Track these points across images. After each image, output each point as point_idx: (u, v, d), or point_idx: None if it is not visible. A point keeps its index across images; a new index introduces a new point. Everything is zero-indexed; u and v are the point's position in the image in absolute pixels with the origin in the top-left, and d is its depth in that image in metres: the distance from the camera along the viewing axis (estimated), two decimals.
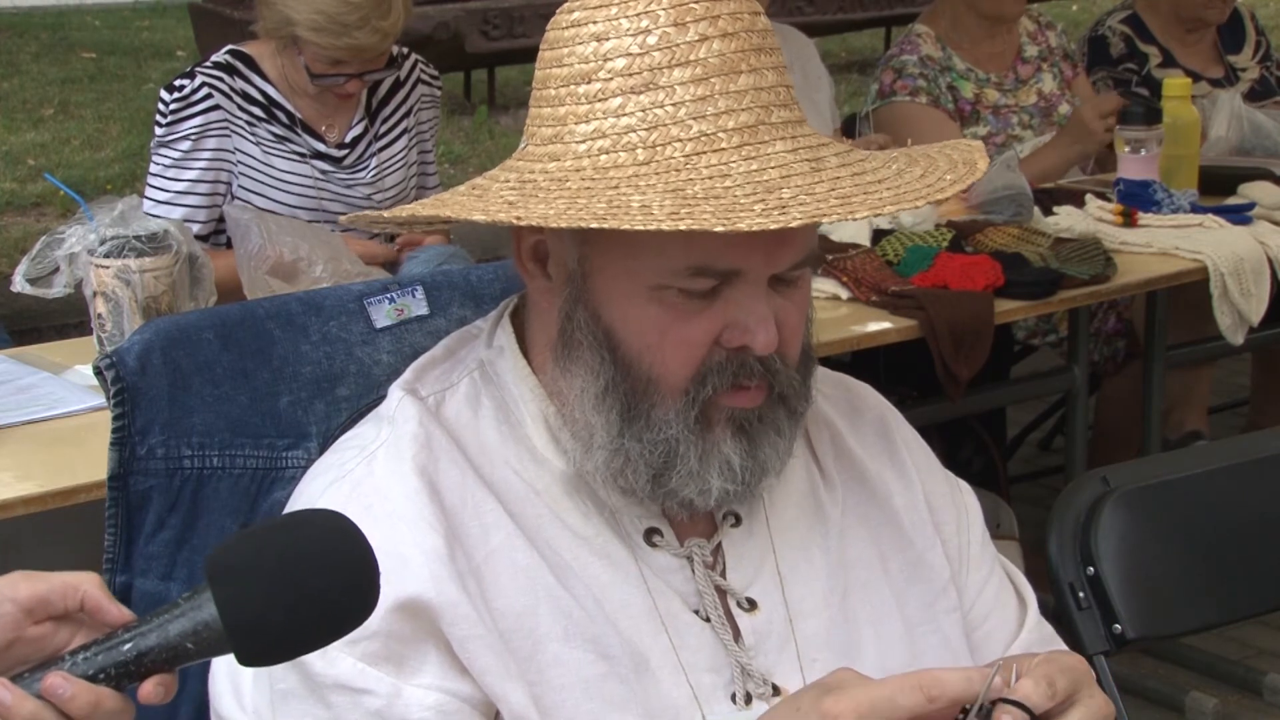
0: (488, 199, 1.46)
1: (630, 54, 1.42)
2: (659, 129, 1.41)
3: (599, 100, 1.43)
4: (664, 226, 1.33)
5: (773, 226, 1.33)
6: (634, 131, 1.42)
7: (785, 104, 1.45)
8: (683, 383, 1.45)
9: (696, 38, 1.42)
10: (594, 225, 1.36)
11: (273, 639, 1.12)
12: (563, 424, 1.51)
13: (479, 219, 1.43)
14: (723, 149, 1.41)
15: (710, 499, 1.48)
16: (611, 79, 1.42)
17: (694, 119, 1.41)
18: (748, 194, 1.37)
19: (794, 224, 1.34)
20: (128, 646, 1.10)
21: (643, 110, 1.41)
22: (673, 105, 1.41)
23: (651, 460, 1.46)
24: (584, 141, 1.43)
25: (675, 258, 1.42)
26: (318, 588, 1.12)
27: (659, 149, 1.41)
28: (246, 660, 1.12)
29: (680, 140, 1.41)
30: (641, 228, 1.34)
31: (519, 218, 1.39)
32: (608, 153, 1.42)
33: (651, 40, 1.42)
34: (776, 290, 1.46)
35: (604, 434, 1.47)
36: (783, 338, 1.46)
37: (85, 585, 1.15)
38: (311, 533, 1.16)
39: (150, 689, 1.11)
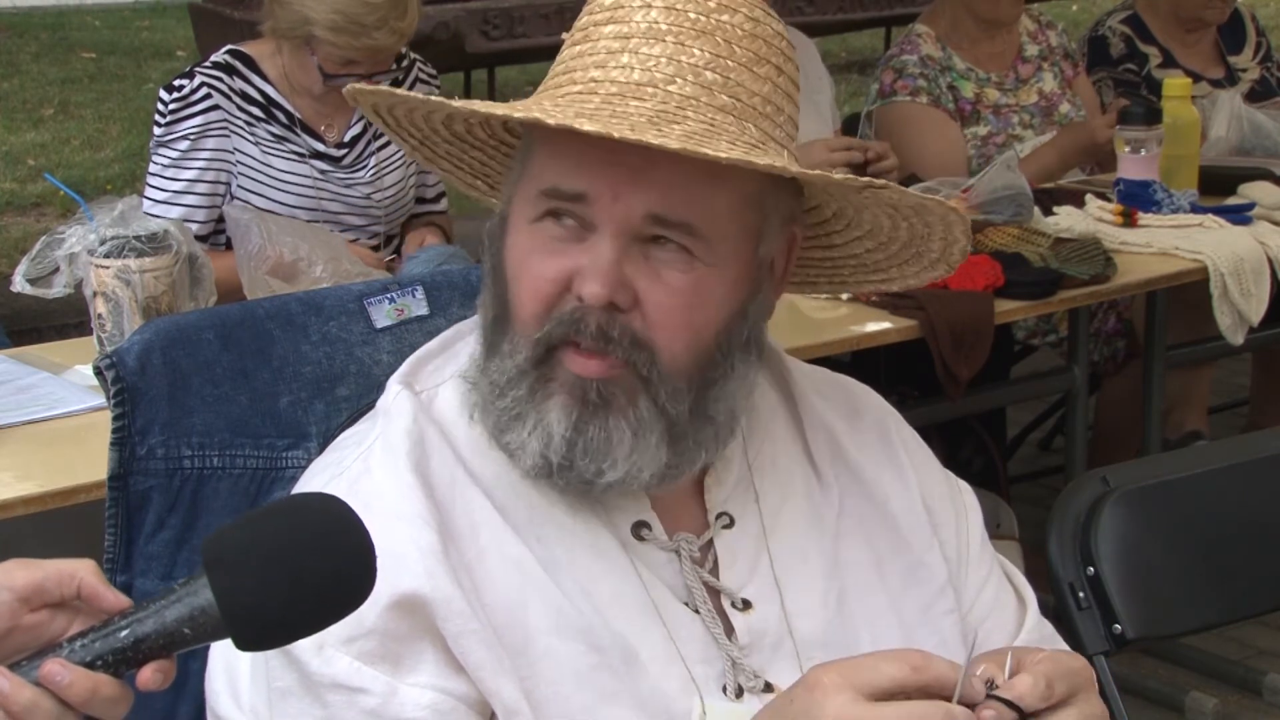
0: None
1: (588, 14, 1.50)
2: (569, 72, 1.48)
3: (559, 62, 1.51)
4: (456, 103, 1.44)
5: (566, 123, 1.36)
6: (555, 76, 1.49)
7: (705, 85, 1.45)
8: (530, 319, 1.45)
9: (639, 4, 1.47)
10: (441, 109, 1.49)
11: (270, 623, 1.12)
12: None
13: (417, 102, 1.51)
14: (603, 95, 1.44)
15: (526, 458, 1.45)
16: (570, 38, 1.50)
17: (596, 67, 1.46)
18: (575, 114, 1.40)
19: (586, 128, 1.35)
20: (125, 633, 1.10)
21: (570, 59, 1.49)
22: (590, 56, 1.47)
23: (490, 394, 1.47)
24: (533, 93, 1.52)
25: (539, 179, 1.45)
26: (314, 571, 1.12)
27: (559, 88, 1.47)
28: (244, 645, 1.12)
29: (575, 81, 1.46)
30: (472, 109, 1.45)
31: (426, 105, 1.50)
32: (534, 95, 1.50)
33: (606, 2, 1.49)
34: (644, 257, 1.43)
35: (476, 367, 1.49)
36: (653, 319, 1.43)
37: (82, 572, 1.15)
38: (307, 517, 1.16)
39: (148, 675, 1.11)
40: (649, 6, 1.47)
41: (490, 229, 1.52)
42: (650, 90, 1.44)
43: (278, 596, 1.11)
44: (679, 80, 1.44)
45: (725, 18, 1.47)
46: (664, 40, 1.45)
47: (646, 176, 1.40)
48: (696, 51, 1.45)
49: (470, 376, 1.50)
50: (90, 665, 1.10)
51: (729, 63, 1.46)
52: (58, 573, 1.15)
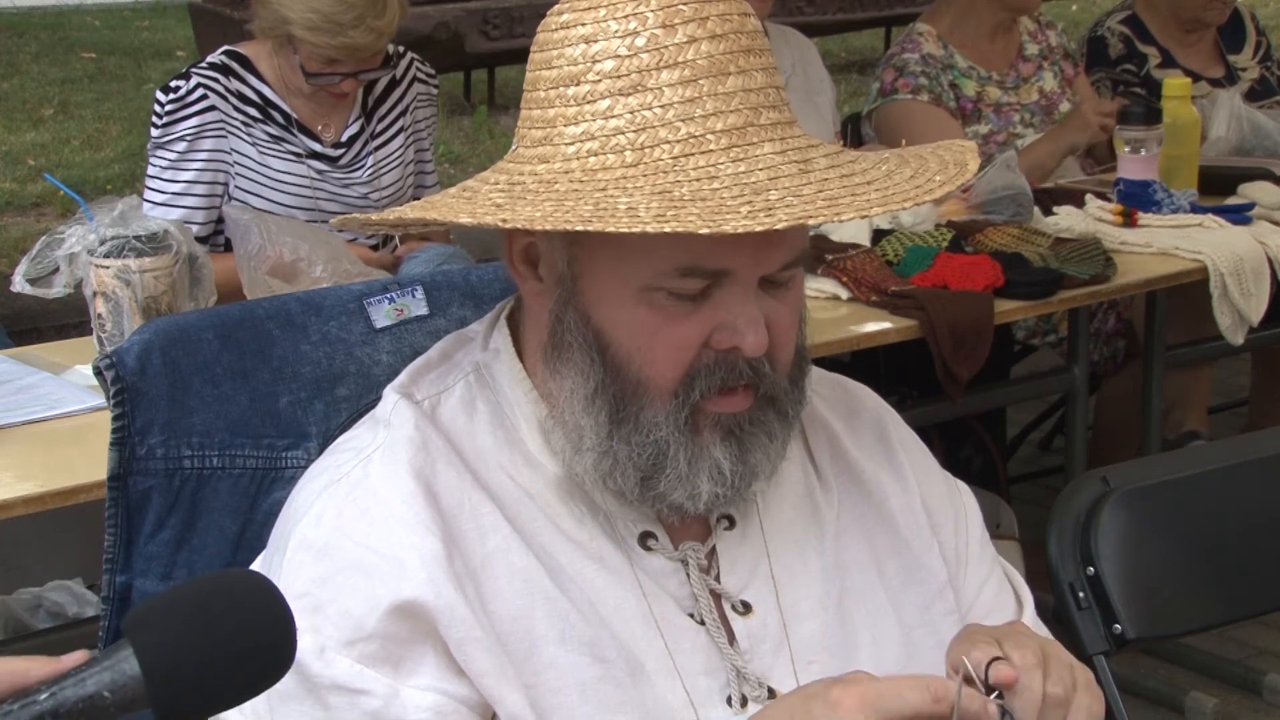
0: (476, 201, 1.46)
1: (618, 56, 1.42)
2: (647, 131, 1.41)
3: (587, 102, 1.43)
4: (649, 229, 1.33)
5: (758, 229, 1.33)
6: (622, 134, 1.41)
7: (774, 105, 1.45)
8: (671, 385, 1.45)
9: (685, 39, 1.42)
10: (580, 228, 1.35)
11: (189, 686, 1.09)
12: (554, 425, 1.51)
13: (465, 221, 1.42)
14: (710, 150, 1.41)
15: (700, 502, 1.48)
16: (600, 81, 1.42)
17: (682, 121, 1.41)
18: (734, 195, 1.37)
19: (780, 225, 1.34)
20: (44, 696, 1.07)
21: (630, 112, 1.41)
22: (661, 107, 1.41)
23: (640, 463, 1.46)
24: (573, 144, 1.43)
25: (664, 259, 1.41)
26: (234, 638, 1.11)
27: (647, 151, 1.41)
28: (164, 714, 1.10)
29: (668, 142, 1.41)
30: (626, 230, 1.34)
31: (505, 220, 1.39)
32: (596, 154, 1.42)
33: (640, 42, 1.42)
34: (767, 292, 1.46)
35: (593, 436, 1.47)
36: (774, 340, 1.46)
37: (35, 670, 1.13)
38: (228, 584, 1.15)
39: None
40: (695, 41, 1.42)
41: (561, 296, 1.47)
42: (753, 130, 1.42)
43: (199, 660, 1.09)
44: (763, 110, 1.43)
45: (750, 24, 1.46)
46: (728, 73, 1.42)
47: (784, 231, 1.38)
48: (756, 74, 1.44)
49: (600, 446, 1.47)
50: None
51: (772, 71, 1.46)
52: (8, 673, 1.12)
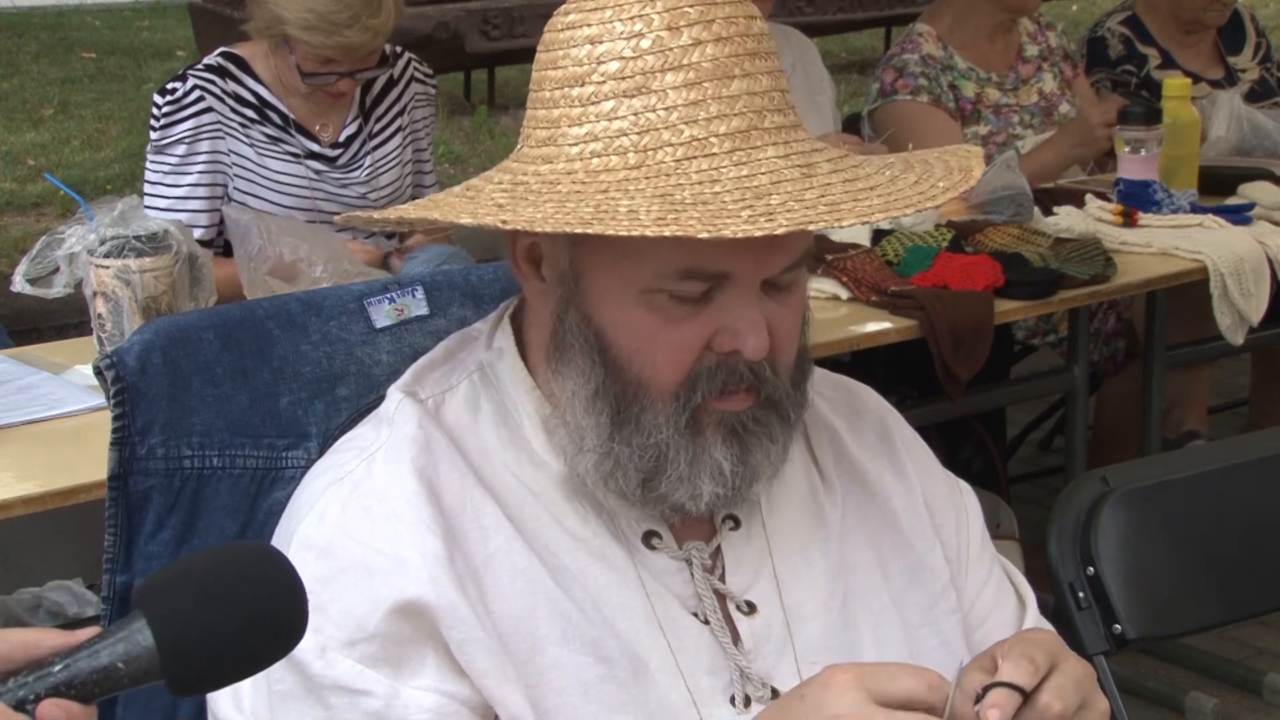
0: (478, 201, 1.46)
1: (623, 57, 1.42)
2: (650, 133, 1.41)
3: (591, 103, 1.43)
4: (649, 232, 1.33)
5: (757, 234, 1.33)
6: (625, 135, 1.41)
7: (779, 109, 1.44)
8: (672, 387, 1.45)
9: (690, 41, 1.41)
10: (579, 230, 1.35)
11: (203, 657, 1.09)
12: (556, 425, 1.51)
13: (466, 221, 1.42)
14: (714, 154, 1.40)
15: (701, 503, 1.47)
16: (604, 82, 1.42)
17: (685, 123, 1.40)
18: (736, 200, 1.36)
19: (779, 231, 1.33)
20: (58, 668, 1.07)
21: (634, 114, 1.41)
22: (665, 109, 1.40)
23: (641, 464, 1.46)
24: (576, 144, 1.43)
25: (665, 261, 1.41)
26: (247, 608, 1.10)
27: (650, 153, 1.40)
28: (176, 686, 1.09)
29: (671, 145, 1.40)
30: (626, 233, 1.33)
31: (505, 221, 1.39)
32: (599, 156, 1.42)
33: (645, 44, 1.41)
34: (769, 295, 1.45)
35: (594, 437, 1.47)
36: (776, 343, 1.45)
37: (47, 642, 1.13)
38: (237, 554, 1.15)
39: (47, 709, 1.05)
40: (700, 44, 1.41)
41: (562, 296, 1.47)
42: (757, 134, 1.41)
43: (212, 626, 1.08)
44: (768, 114, 1.42)
45: (757, 27, 1.46)
46: (733, 76, 1.41)
47: (783, 236, 1.37)
48: (761, 77, 1.43)
49: (602, 447, 1.46)
50: (20, 705, 1.06)
51: (778, 75, 1.46)
52: (21, 643, 1.12)
